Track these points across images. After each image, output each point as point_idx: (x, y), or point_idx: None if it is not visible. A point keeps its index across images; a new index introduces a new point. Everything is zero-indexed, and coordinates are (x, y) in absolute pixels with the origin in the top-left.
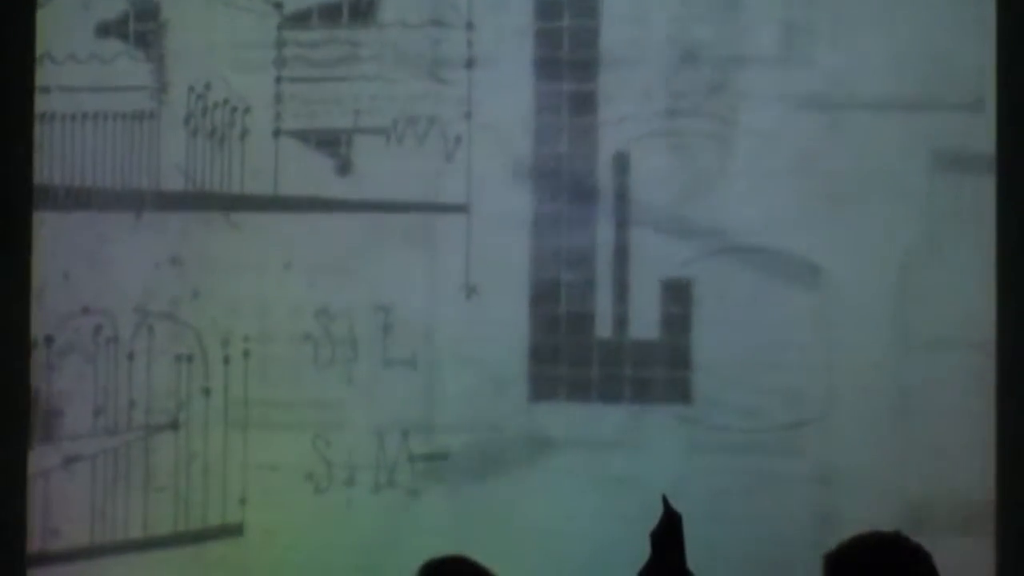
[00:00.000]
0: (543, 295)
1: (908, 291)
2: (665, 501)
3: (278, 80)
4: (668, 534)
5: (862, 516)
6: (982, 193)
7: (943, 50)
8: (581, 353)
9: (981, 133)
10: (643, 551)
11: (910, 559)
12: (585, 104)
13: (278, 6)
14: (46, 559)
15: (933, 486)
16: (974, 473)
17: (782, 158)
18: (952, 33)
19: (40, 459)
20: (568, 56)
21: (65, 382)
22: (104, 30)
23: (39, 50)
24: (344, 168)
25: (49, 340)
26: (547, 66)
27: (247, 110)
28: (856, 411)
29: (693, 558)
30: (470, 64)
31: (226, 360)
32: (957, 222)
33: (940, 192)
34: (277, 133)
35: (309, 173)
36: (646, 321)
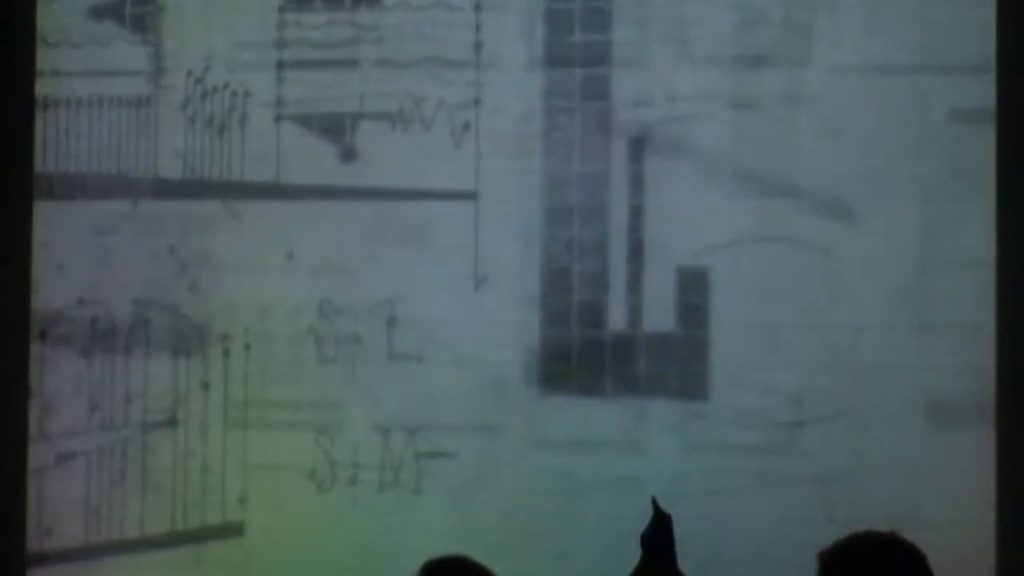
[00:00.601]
0: (554, 286)
1: (929, 272)
2: (655, 503)
3: (280, 64)
4: (658, 536)
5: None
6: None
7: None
8: (593, 347)
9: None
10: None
11: (905, 559)
12: (598, 88)
13: None
14: (39, 559)
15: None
16: (974, 473)
17: (803, 138)
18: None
19: (33, 456)
20: (580, 39)
21: (59, 376)
22: (99, 13)
23: None
24: (348, 155)
25: (43, 333)
26: (558, 49)
27: (247, 95)
28: (881, 407)
29: (708, 559)
30: (479, 47)
31: (226, 354)
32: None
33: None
34: (279, 119)
35: (312, 160)
36: (661, 313)
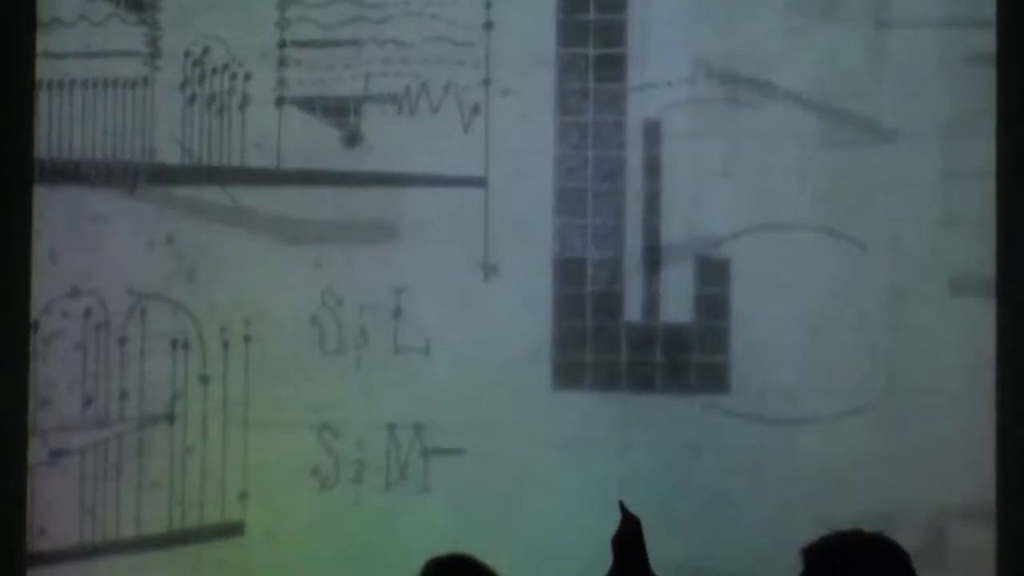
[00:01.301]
0: (567, 275)
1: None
2: (622, 507)
3: (281, 44)
4: (629, 538)
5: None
6: None
7: None
8: (608, 338)
9: None
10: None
11: (888, 556)
12: (613, 68)
13: None
14: (32, 559)
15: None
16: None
17: (829, 124)
18: None
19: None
20: (594, 17)
21: (52, 370)
22: None
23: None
24: (352, 139)
25: (35, 324)
26: (572, 28)
27: (247, 76)
28: (910, 398)
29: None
30: (488, 26)
31: (225, 346)
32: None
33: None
34: (280, 101)
35: (314, 144)
36: (679, 303)
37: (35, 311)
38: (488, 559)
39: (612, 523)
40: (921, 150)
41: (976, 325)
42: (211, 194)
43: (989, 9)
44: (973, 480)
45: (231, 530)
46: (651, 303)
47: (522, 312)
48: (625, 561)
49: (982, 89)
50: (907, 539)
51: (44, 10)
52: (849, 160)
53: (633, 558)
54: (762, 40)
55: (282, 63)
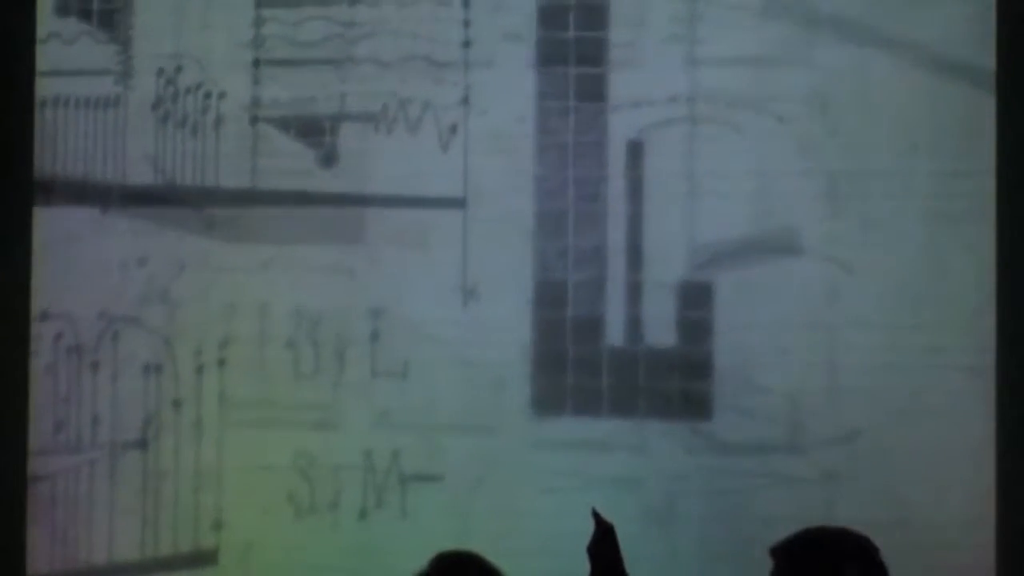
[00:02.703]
0: (548, 298)
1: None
2: (595, 514)
3: (256, 62)
4: (603, 546)
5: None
6: None
7: None
8: (589, 362)
9: None
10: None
11: (856, 551)
12: (593, 88)
13: None
14: None
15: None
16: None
17: (812, 146)
18: None
19: None
20: (574, 35)
21: None
22: (64, 8)
23: None
24: (328, 159)
25: None
26: (552, 47)
27: (222, 95)
28: (900, 424)
29: None
30: (467, 45)
31: (199, 370)
32: None
33: None
34: (255, 120)
35: (290, 164)
36: (661, 327)
37: None
38: None
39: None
40: (909, 168)
41: (968, 391)
42: (185, 215)
43: None
44: (967, 511)
45: (205, 558)
46: (633, 327)
47: (502, 336)
48: (601, 569)
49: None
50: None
51: None
52: (834, 182)
53: (608, 565)
54: (744, 61)
55: (257, 82)
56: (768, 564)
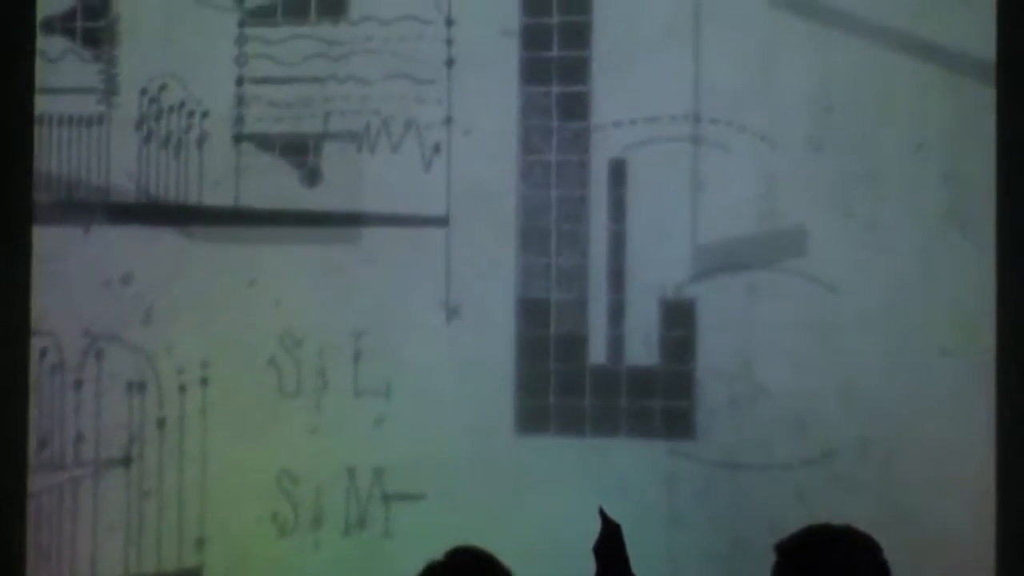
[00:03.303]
0: (530, 317)
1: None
2: (602, 513)
3: (239, 81)
4: (610, 545)
5: None
6: None
7: None
8: (572, 381)
9: None
10: None
11: (859, 549)
12: (576, 107)
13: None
14: None
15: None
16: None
17: (794, 166)
18: None
19: None
20: (557, 54)
21: None
22: (49, 26)
23: None
24: (312, 177)
25: None
26: (535, 66)
27: (205, 114)
28: (885, 444)
29: None
30: (450, 63)
31: (182, 389)
32: None
33: None
34: (238, 139)
35: (273, 183)
36: (644, 346)
37: None
38: None
39: (581, 568)
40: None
41: (968, 391)
42: (168, 233)
43: None
44: (967, 511)
45: None
46: (616, 345)
47: (484, 354)
48: (607, 568)
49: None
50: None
51: None
52: (818, 199)
53: (614, 564)
54: (728, 79)
55: (240, 100)
56: (768, 561)
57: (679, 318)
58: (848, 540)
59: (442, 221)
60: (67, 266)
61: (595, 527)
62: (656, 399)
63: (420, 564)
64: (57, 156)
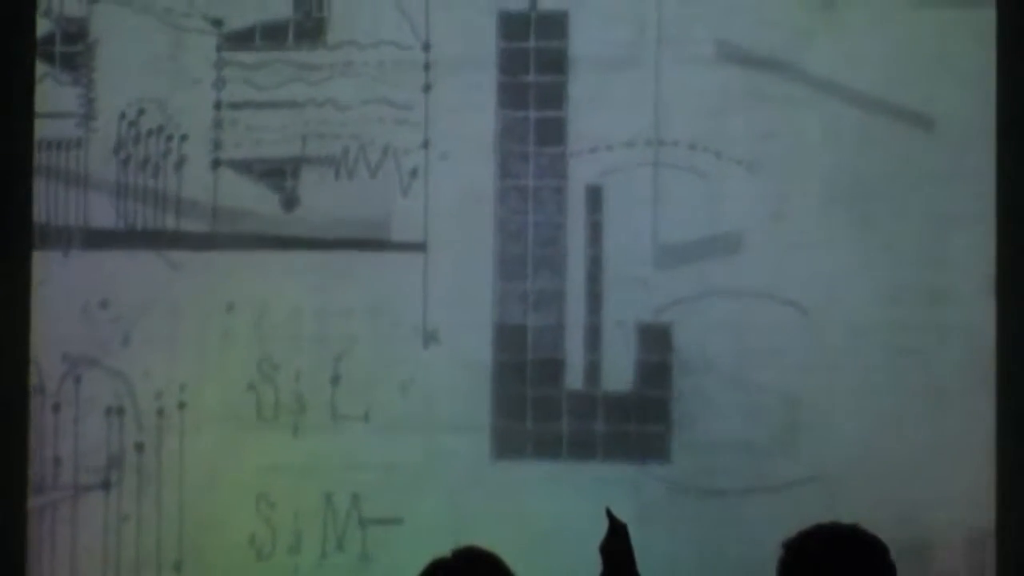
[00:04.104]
0: (508, 342)
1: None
2: (609, 514)
3: (217, 105)
4: (616, 545)
5: None
6: None
7: None
8: (549, 406)
9: None
10: None
11: (867, 550)
12: (553, 132)
13: (217, 24)
14: None
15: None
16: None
17: (768, 195)
18: None
19: None
20: (534, 79)
21: None
22: None
23: None
24: (290, 202)
25: None
26: (512, 91)
27: (183, 138)
28: (858, 467)
29: None
30: (428, 88)
31: (160, 413)
32: None
33: None
34: (216, 163)
35: (251, 207)
36: (620, 371)
37: None
38: None
39: None
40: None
41: (967, 391)
42: (146, 258)
43: None
44: (967, 511)
45: None
46: (592, 370)
47: (462, 379)
48: (613, 568)
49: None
50: None
51: None
52: (798, 226)
53: (620, 565)
54: (703, 106)
55: (218, 125)
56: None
57: (655, 343)
58: (856, 540)
59: (419, 246)
60: (46, 290)
61: (572, 550)
62: (632, 423)
63: None
64: (36, 180)
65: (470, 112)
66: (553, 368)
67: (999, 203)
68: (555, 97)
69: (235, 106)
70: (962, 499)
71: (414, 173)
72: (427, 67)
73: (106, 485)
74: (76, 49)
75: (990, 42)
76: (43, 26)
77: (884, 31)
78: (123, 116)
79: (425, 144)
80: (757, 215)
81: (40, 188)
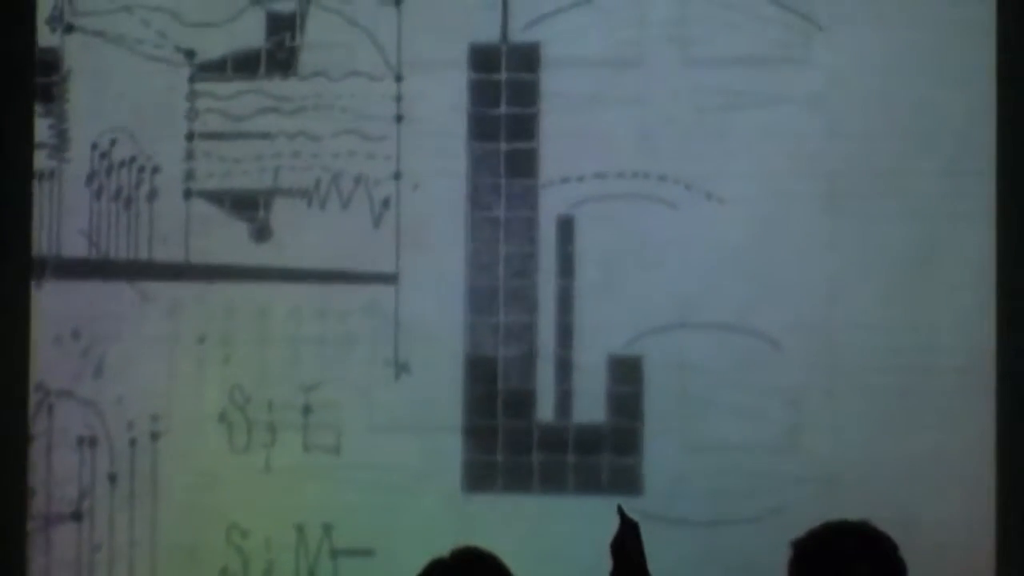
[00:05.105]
0: (479, 373)
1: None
2: (620, 510)
3: (189, 136)
4: (627, 542)
5: None
6: None
7: None
8: (520, 437)
9: None
10: None
11: (876, 547)
12: (524, 164)
13: (190, 55)
14: None
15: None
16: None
17: (742, 223)
18: None
19: None
20: (506, 111)
21: None
22: None
23: None
24: (262, 233)
25: None
26: (483, 122)
27: (156, 169)
28: (835, 496)
29: None
30: (400, 119)
31: (132, 443)
32: None
33: None
34: (188, 194)
35: (223, 239)
36: (592, 402)
37: None
38: None
39: None
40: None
41: (967, 391)
42: (118, 289)
43: None
44: (967, 511)
45: None
46: (563, 402)
47: (433, 410)
48: (623, 565)
49: None
50: None
51: None
52: (764, 258)
53: (631, 562)
54: (676, 137)
55: (190, 155)
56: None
57: (627, 375)
58: (865, 537)
59: (391, 277)
60: None
61: None
62: (604, 455)
63: None
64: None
65: (442, 143)
66: (524, 400)
67: (999, 203)
68: (526, 129)
69: (207, 137)
70: (962, 501)
71: (386, 204)
72: (399, 98)
73: (78, 516)
74: (49, 80)
75: (990, 42)
76: None
77: (884, 31)
78: (95, 147)
79: (397, 175)
80: (730, 245)
81: None
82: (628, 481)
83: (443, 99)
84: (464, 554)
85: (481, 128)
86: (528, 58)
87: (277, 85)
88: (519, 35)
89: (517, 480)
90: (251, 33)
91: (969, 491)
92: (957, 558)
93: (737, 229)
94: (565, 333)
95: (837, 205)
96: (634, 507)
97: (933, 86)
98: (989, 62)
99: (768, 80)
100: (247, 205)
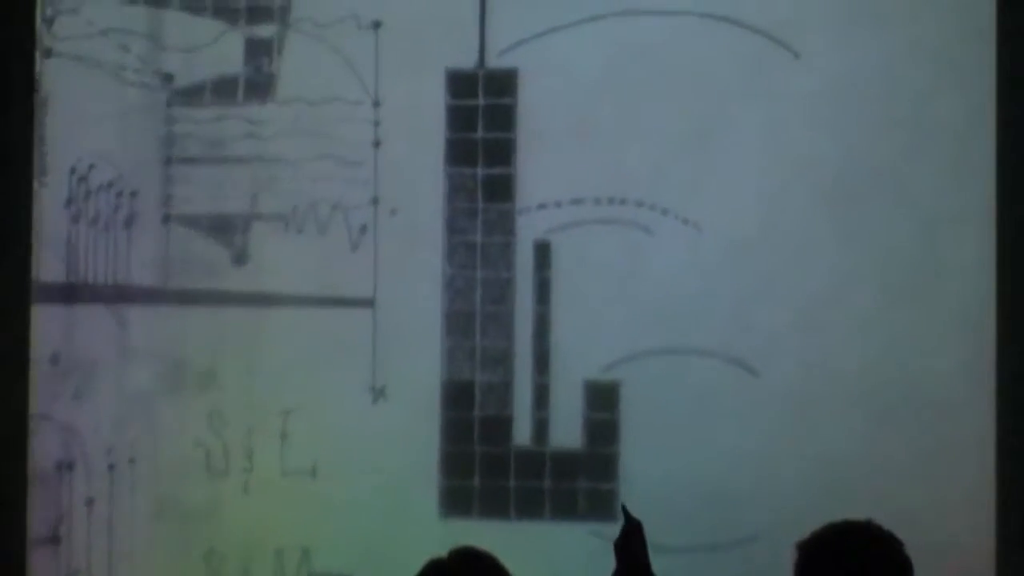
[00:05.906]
0: (455, 398)
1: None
2: (625, 510)
3: (168, 160)
4: (631, 542)
5: None
6: None
7: None
8: (497, 463)
9: None
10: None
11: (882, 545)
12: (501, 189)
13: (168, 79)
14: None
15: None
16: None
17: (718, 249)
18: None
19: None
20: (483, 136)
21: None
22: None
23: None
24: (240, 258)
25: None
26: (460, 147)
27: (134, 193)
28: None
29: None
30: (377, 144)
31: (111, 468)
32: None
33: None
34: (167, 219)
35: (201, 263)
36: (568, 428)
37: None
38: None
39: None
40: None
41: (967, 391)
42: (97, 313)
43: None
44: (967, 511)
45: None
46: (540, 427)
47: (410, 436)
48: (628, 565)
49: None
50: None
51: None
52: (745, 282)
53: (636, 562)
54: (652, 162)
55: (168, 180)
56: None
57: (603, 400)
58: (871, 534)
59: (368, 302)
60: None
61: None
62: (580, 481)
63: None
64: None
65: (419, 168)
66: (501, 425)
67: (999, 203)
68: (503, 154)
69: (185, 161)
70: (962, 501)
71: (363, 229)
72: (376, 123)
73: (56, 539)
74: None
75: (990, 42)
76: None
77: (884, 31)
78: (73, 171)
79: (374, 200)
80: (707, 271)
81: None
82: (605, 507)
83: (420, 124)
84: (462, 553)
85: (458, 153)
86: (505, 84)
87: (255, 110)
88: (496, 61)
89: (493, 505)
90: (229, 58)
91: (969, 491)
92: (957, 558)
93: (714, 255)
94: (542, 358)
95: (837, 205)
96: (611, 533)
97: (933, 86)
98: (989, 62)
99: (756, 93)
100: (225, 230)
